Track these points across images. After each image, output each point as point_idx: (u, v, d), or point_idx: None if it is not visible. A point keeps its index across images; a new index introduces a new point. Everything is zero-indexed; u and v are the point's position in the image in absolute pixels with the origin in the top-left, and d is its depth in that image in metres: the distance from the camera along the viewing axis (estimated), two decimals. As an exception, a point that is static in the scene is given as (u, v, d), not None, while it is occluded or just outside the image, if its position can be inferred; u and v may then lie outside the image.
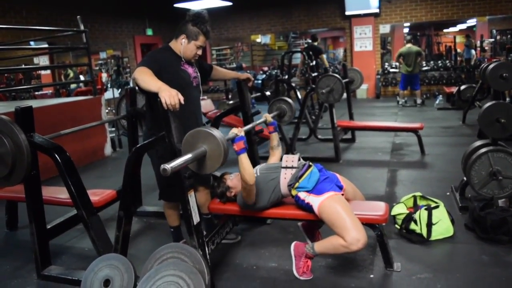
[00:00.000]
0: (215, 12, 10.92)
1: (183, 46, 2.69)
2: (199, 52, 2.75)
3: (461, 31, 14.88)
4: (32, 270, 2.80)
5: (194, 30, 2.67)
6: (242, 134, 2.44)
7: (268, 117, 3.07)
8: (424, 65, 11.61)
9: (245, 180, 2.43)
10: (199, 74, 2.86)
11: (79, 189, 2.55)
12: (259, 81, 12.50)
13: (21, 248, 3.31)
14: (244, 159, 2.41)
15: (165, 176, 1.87)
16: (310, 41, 9.66)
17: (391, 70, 11.82)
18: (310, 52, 8.47)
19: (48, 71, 11.53)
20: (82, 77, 12.01)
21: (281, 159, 2.71)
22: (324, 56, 9.90)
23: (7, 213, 3.67)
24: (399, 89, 10.06)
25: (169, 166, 1.86)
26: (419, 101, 9.73)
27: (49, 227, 2.85)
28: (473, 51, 11.69)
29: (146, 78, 2.34)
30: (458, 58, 12.59)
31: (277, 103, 3.79)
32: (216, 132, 2.05)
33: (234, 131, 2.44)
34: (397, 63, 10.71)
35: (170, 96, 2.15)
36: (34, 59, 10.96)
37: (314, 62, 8.47)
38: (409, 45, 9.58)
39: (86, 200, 2.58)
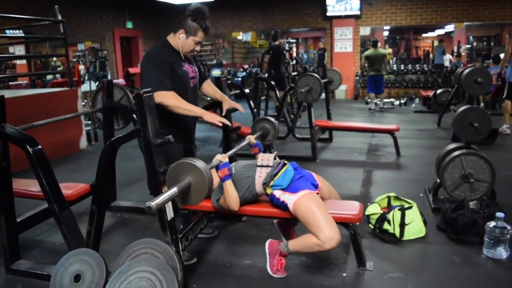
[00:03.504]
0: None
1: (181, 41, 2.66)
2: (197, 48, 2.73)
3: (439, 36, 15.15)
4: (0, 264, 2.73)
5: (193, 26, 2.64)
6: (226, 160, 2.45)
7: (252, 138, 2.95)
8: (402, 68, 11.80)
9: (230, 206, 2.47)
10: (198, 74, 2.85)
11: (51, 182, 2.49)
12: (239, 79, 12.50)
13: (-11, 241, 3.23)
14: (228, 185, 2.44)
15: (150, 214, 1.86)
16: (291, 40, 9.66)
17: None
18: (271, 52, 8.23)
19: (24, 61, 11.26)
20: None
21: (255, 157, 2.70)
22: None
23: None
24: (368, 93, 9.75)
25: (154, 203, 1.83)
26: (381, 104, 9.59)
27: (19, 220, 2.79)
28: (447, 56, 11.88)
29: (185, 106, 2.58)
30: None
31: (260, 122, 3.76)
32: (200, 163, 2.02)
33: (218, 157, 2.44)
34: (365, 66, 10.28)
35: (211, 118, 2.61)
36: (9, 48, 10.69)
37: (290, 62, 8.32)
38: (376, 48, 9.26)
39: (58, 193, 2.52)
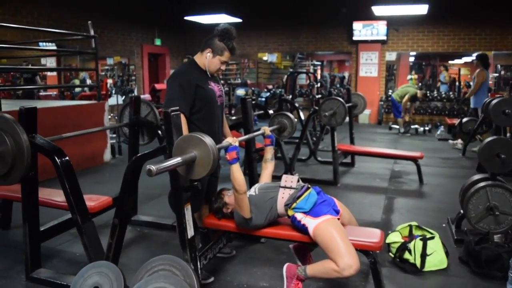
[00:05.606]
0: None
1: (207, 60, 2.73)
2: (223, 67, 2.80)
3: (466, 63, 15.00)
4: (21, 272, 2.77)
5: (220, 46, 2.70)
6: (236, 144, 2.49)
7: (267, 130, 3.07)
8: (427, 94, 11.70)
9: (235, 189, 2.48)
10: (223, 92, 2.91)
11: (76, 194, 2.54)
12: (263, 99, 12.57)
13: (12, 248, 3.29)
14: (235, 168, 2.47)
15: (150, 176, 1.84)
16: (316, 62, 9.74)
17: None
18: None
19: (54, 73, 11.59)
20: (89, 81, 12.03)
21: (278, 178, 2.70)
22: None
23: (0, 211, 3.65)
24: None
25: (155, 167, 1.83)
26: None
27: (42, 229, 2.84)
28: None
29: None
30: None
31: (279, 117, 3.79)
32: (208, 140, 2.05)
33: (229, 140, 2.48)
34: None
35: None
36: (41, 60, 11.02)
37: None
38: None
39: (82, 205, 2.57)
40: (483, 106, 5.81)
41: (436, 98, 11.53)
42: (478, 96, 7.43)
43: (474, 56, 13.47)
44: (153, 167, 1.82)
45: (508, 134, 7.62)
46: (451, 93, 11.96)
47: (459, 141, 7.85)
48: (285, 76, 10.48)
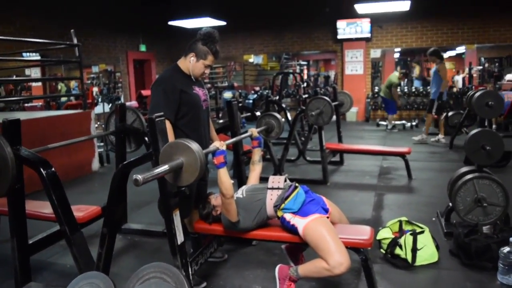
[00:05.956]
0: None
1: (191, 64, 2.72)
2: (207, 71, 2.80)
3: (450, 57, 15.15)
4: (11, 286, 2.73)
5: (204, 49, 2.70)
6: (223, 148, 2.48)
7: (254, 131, 3.08)
8: (413, 90, 11.80)
9: (223, 193, 2.47)
10: (208, 96, 2.90)
11: (63, 205, 2.51)
12: (250, 101, 12.58)
13: (1, 262, 3.25)
14: (222, 173, 2.46)
15: (137, 186, 1.82)
16: (302, 62, 9.75)
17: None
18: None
19: (39, 83, 11.48)
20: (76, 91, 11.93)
21: (266, 180, 2.70)
22: None
23: (-12, 226, 3.60)
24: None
25: (141, 176, 1.80)
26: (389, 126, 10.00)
27: (31, 242, 2.80)
28: (459, 77, 11.87)
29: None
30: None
31: (266, 118, 3.79)
32: (195, 146, 2.04)
33: (216, 144, 2.47)
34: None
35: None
36: (25, 71, 10.91)
37: None
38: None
39: (70, 216, 2.54)
40: (467, 99, 5.88)
41: (422, 93, 11.64)
42: (437, 88, 7.65)
43: (458, 50, 13.68)
44: (139, 177, 1.80)
45: (494, 126, 7.73)
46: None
47: (440, 136, 7.98)
48: (272, 77, 10.50)
